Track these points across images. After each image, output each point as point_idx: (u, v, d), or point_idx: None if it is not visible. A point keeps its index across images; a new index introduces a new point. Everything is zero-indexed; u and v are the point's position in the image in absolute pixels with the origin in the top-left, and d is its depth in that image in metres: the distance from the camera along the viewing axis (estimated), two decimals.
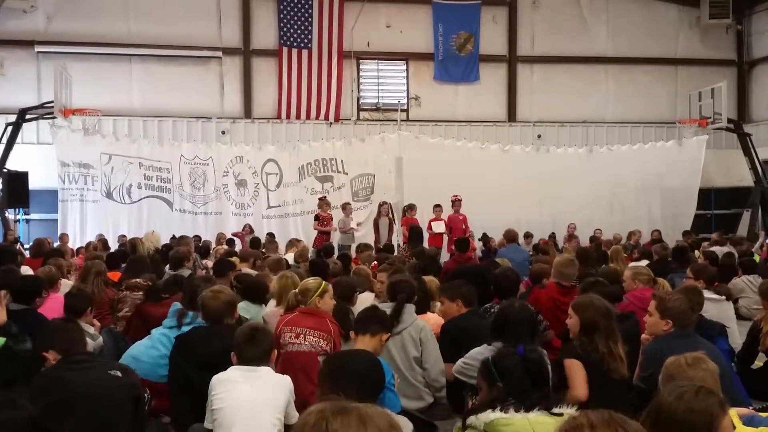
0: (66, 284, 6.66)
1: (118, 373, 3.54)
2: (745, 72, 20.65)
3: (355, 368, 3.01)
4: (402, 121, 17.91)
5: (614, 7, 19.96)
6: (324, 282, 4.97)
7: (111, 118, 17.13)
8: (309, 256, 10.38)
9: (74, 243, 14.18)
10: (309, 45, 18.61)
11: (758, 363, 5.61)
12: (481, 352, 4.03)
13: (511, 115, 19.77)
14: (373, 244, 13.53)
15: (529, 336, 4.07)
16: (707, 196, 18.13)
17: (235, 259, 8.30)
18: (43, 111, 15.08)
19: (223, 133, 17.98)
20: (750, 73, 20.64)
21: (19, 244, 12.81)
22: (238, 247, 13.00)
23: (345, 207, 14.58)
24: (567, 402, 3.12)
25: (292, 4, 18.48)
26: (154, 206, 15.70)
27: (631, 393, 4.07)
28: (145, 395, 4.05)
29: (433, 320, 5.34)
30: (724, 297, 6.46)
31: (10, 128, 14.78)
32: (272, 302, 5.84)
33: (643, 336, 4.40)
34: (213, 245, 13.17)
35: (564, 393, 3.81)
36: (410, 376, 4.68)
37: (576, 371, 3.89)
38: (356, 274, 6.95)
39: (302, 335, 4.52)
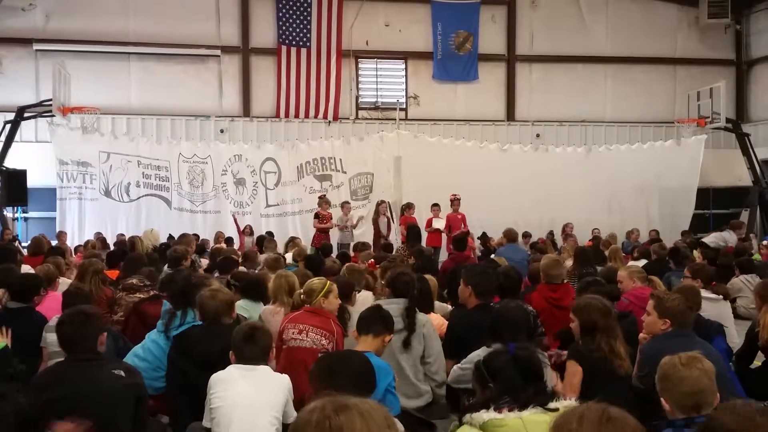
0: (65, 282, 6.66)
1: (122, 373, 3.52)
2: (743, 72, 20.66)
3: (346, 369, 3.02)
4: (401, 120, 17.90)
5: (613, 7, 19.97)
6: (329, 282, 4.97)
7: (109, 117, 17.11)
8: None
9: (72, 241, 14.18)
10: (308, 44, 18.60)
11: (757, 363, 5.61)
12: (478, 354, 4.03)
13: (510, 115, 19.78)
14: (372, 243, 13.57)
15: (525, 336, 4.08)
16: (706, 196, 18.13)
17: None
18: (41, 109, 15.06)
19: (222, 131, 17.98)
20: (749, 73, 20.66)
21: (17, 242, 12.81)
22: (236, 245, 13.02)
23: (344, 206, 14.59)
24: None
25: (290, 3, 18.47)
26: (153, 205, 15.69)
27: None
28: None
29: (435, 321, 5.35)
30: (721, 296, 6.47)
31: (8, 126, 14.76)
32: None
33: (641, 335, 4.40)
34: (211, 244, 13.17)
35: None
36: (412, 374, 4.68)
37: (572, 373, 3.90)
38: (350, 272, 6.82)
39: (305, 332, 4.54)
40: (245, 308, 5.50)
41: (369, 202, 15.61)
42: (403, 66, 19.59)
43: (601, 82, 20.11)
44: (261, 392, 3.52)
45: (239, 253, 10.02)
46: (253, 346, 3.64)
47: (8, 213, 15.26)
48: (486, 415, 2.85)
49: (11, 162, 14.96)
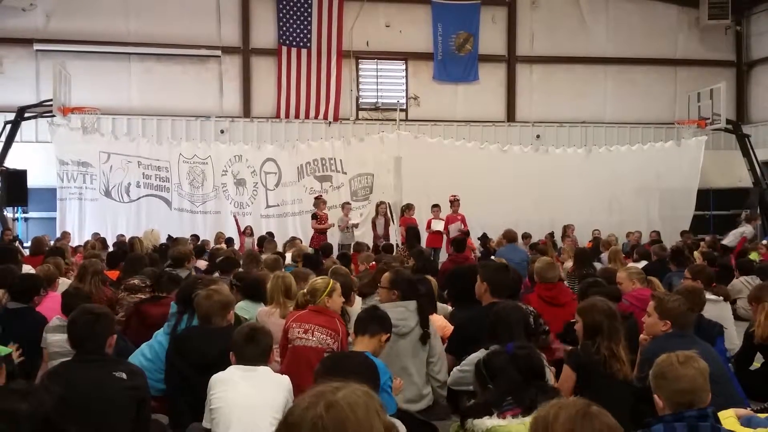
0: (65, 283, 6.66)
1: (124, 375, 3.49)
2: (744, 73, 20.67)
3: (349, 369, 3.02)
4: (401, 120, 17.89)
5: (613, 8, 19.98)
6: (332, 281, 4.98)
7: (110, 117, 17.12)
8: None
9: (72, 242, 14.15)
10: (308, 44, 18.60)
11: (756, 364, 5.62)
12: (477, 356, 4.02)
13: (510, 115, 19.78)
14: (371, 244, 13.57)
15: (523, 336, 4.08)
16: (706, 197, 18.14)
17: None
18: (41, 109, 15.06)
19: (222, 132, 17.98)
20: (749, 74, 20.67)
21: (18, 242, 12.80)
22: (237, 246, 13.02)
23: (344, 206, 14.58)
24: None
25: (291, 4, 18.48)
26: (153, 205, 15.70)
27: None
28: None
29: (439, 322, 5.35)
30: (722, 298, 6.48)
31: (8, 126, 14.77)
32: None
33: (642, 336, 4.41)
34: (211, 244, 13.17)
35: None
36: (417, 377, 4.67)
37: (564, 378, 3.90)
38: (334, 275, 6.80)
39: (310, 331, 4.54)
40: (246, 309, 5.50)
41: (369, 202, 15.60)
42: (404, 67, 19.60)
43: (601, 83, 20.12)
44: (261, 393, 3.52)
45: (240, 253, 10.01)
46: (254, 347, 3.63)
47: (8, 213, 15.26)
48: (489, 422, 2.84)
49: (11, 162, 14.97)
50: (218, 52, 18.29)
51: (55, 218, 15.23)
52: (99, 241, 12.75)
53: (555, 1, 19.76)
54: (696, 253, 11.03)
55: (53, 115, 14.59)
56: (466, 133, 18.57)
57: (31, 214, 16.50)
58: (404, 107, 19.07)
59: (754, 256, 11.19)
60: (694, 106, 18.11)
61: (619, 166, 16.83)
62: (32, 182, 15.37)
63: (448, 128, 18.81)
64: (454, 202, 13.93)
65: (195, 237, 13.88)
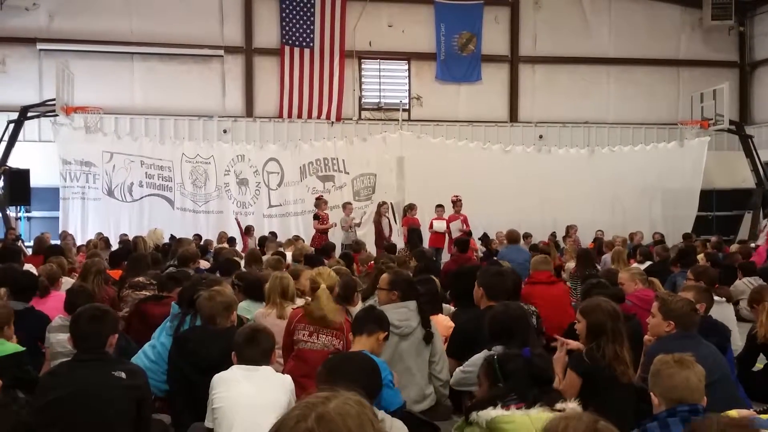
0: (67, 282, 6.66)
1: (123, 375, 3.48)
2: (747, 74, 20.63)
3: (351, 370, 3.02)
4: (404, 120, 17.90)
5: (616, 8, 19.95)
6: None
7: (113, 116, 17.12)
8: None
9: (75, 241, 14.16)
10: (311, 44, 18.60)
11: (759, 365, 5.62)
12: (480, 358, 4.02)
13: (513, 116, 19.77)
14: (374, 244, 13.58)
15: (530, 338, 4.08)
16: (709, 198, 18.11)
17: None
18: (45, 108, 15.09)
19: (225, 131, 17.98)
20: (752, 75, 20.63)
21: (20, 241, 12.81)
22: (239, 246, 13.01)
23: (346, 206, 14.57)
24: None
25: (294, 3, 18.48)
26: (156, 205, 15.70)
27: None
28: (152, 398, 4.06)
29: (445, 322, 5.36)
30: (724, 299, 6.47)
31: (12, 126, 14.80)
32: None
33: (646, 337, 4.41)
34: (214, 244, 13.17)
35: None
36: (420, 377, 4.68)
37: (569, 383, 3.90)
38: (337, 275, 6.77)
39: (315, 334, 4.54)
40: (248, 309, 5.50)
41: (372, 202, 15.60)
42: (406, 67, 19.59)
43: (604, 83, 20.09)
44: (263, 393, 3.52)
45: (242, 254, 10.00)
46: (255, 348, 3.64)
47: (11, 212, 15.28)
48: (493, 412, 2.87)
49: (14, 161, 14.99)
50: (221, 52, 18.29)
51: (57, 218, 15.24)
52: (102, 240, 12.76)
53: (558, 2, 19.74)
54: (699, 257, 11.00)
55: (56, 115, 14.62)
56: (469, 133, 18.55)
57: (34, 214, 16.51)
58: (407, 107, 19.07)
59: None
60: (697, 107, 18.09)
61: (621, 167, 16.82)
62: (35, 181, 15.39)
63: (450, 128, 18.80)
64: (457, 203, 13.92)
65: (197, 237, 13.88)
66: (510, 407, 2.91)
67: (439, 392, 4.77)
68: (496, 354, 3.37)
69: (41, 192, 15.73)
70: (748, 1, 19.94)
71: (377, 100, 19.39)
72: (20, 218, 15.95)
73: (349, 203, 14.80)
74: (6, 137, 14.80)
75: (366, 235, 14.35)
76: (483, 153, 16.38)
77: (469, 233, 13.00)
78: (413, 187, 15.20)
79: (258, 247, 11.57)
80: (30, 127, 16.04)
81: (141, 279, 6.32)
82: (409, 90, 19.47)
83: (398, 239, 14.13)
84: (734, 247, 12.31)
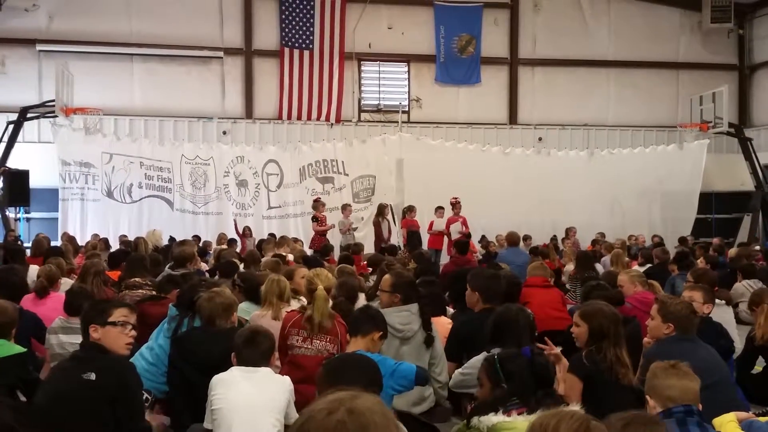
0: (66, 283, 6.65)
1: (92, 376, 3.33)
2: (746, 76, 20.66)
3: (351, 370, 3.02)
4: (403, 122, 17.91)
5: (616, 11, 19.98)
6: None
7: (112, 118, 17.13)
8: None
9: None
10: (310, 46, 18.61)
11: (758, 368, 5.61)
12: (479, 359, 4.01)
13: (512, 118, 19.78)
14: (374, 245, 13.58)
15: (530, 339, 4.07)
16: (708, 201, 18.12)
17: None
18: (44, 110, 15.07)
19: (224, 133, 17.98)
20: (751, 78, 20.66)
21: (19, 242, 12.79)
22: (238, 247, 13.00)
23: (345, 208, 14.57)
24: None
25: (293, 5, 18.49)
26: (155, 206, 15.70)
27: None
28: (148, 396, 4.05)
29: (447, 325, 5.35)
30: (724, 302, 6.48)
31: (11, 127, 14.78)
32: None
33: (645, 339, 4.40)
34: (214, 245, 13.16)
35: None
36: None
37: (570, 386, 3.89)
38: (341, 273, 6.73)
39: (309, 339, 4.52)
40: (247, 311, 5.49)
41: (371, 204, 15.61)
42: (406, 69, 19.60)
43: (603, 85, 20.11)
44: (263, 393, 3.53)
45: (241, 255, 10.00)
46: (254, 350, 3.65)
47: (11, 213, 15.27)
48: (495, 418, 2.87)
49: (14, 162, 14.98)
50: (221, 54, 18.30)
51: (57, 219, 15.23)
52: (102, 241, 12.75)
53: (557, 4, 19.77)
54: (699, 261, 10.99)
55: (56, 116, 14.60)
56: (468, 135, 18.55)
57: (33, 215, 16.49)
58: (406, 109, 19.08)
59: None
60: (696, 110, 18.10)
61: (621, 169, 16.83)
62: (34, 182, 15.39)
63: (450, 130, 18.81)
64: (456, 205, 13.93)
65: (197, 238, 13.87)
66: (512, 413, 2.91)
67: (438, 394, 4.77)
68: (496, 354, 3.36)
69: (40, 193, 15.73)
70: (748, 3, 19.97)
71: (377, 102, 19.39)
72: (19, 219, 15.93)
73: (349, 205, 14.80)
74: (5, 138, 14.79)
75: (365, 236, 14.35)
76: (482, 155, 16.39)
77: (468, 235, 12.99)
78: (413, 189, 15.20)
79: (257, 249, 11.57)
80: (29, 128, 16.04)
81: (137, 279, 6.30)
82: (409, 92, 19.48)
83: (398, 241, 14.13)
84: (733, 251, 12.32)
